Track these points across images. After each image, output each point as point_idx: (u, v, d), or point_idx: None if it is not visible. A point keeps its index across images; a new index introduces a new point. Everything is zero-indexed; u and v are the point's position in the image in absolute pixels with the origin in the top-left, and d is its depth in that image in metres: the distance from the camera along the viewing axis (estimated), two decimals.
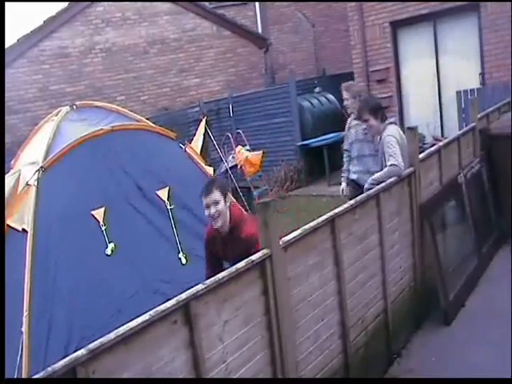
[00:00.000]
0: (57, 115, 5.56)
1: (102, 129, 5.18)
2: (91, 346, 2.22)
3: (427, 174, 5.36)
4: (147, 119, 6.56)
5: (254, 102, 12.93)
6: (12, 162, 5.79)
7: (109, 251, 4.56)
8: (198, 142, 9.46)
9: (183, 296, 2.62)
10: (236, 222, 3.91)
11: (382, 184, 4.65)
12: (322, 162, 11.47)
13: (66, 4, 14.05)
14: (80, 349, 2.20)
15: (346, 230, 3.96)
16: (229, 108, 13.09)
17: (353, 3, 11.92)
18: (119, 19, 14.58)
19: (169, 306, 2.54)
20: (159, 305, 2.53)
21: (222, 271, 2.93)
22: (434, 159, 5.60)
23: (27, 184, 4.83)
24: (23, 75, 13.50)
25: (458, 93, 9.74)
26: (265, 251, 3.14)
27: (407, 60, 11.65)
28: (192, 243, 4.98)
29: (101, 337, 2.28)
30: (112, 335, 2.30)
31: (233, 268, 2.94)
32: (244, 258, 3.03)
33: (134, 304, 3.98)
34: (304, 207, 9.30)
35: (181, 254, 4.89)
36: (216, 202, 3.82)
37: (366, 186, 4.90)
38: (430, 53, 11.18)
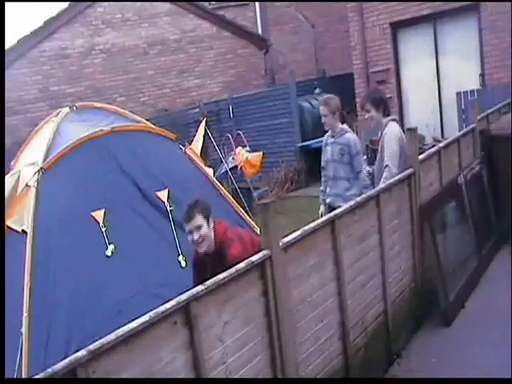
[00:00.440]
0: (57, 116, 5.56)
1: (101, 130, 5.18)
2: (92, 346, 2.22)
3: (427, 175, 5.36)
4: (147, 120, 6.56)
5: (254, 103, 12.94)
6: (12, 162, 5.79)
7: (109, 252, 4.56)
8: (198, 143, 9.47)
9: (183, 297, 2.63)
10: (221, 242, 3.81)
11: (382, 185, 4.67)
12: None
13: (66, 5, 14.06)
14: (80, 349, 2.20)
15: (345, 230, 3.96)
16: (229, 109, 13.10)
17: (353, 4, 11.92)
18: (119, 20, 14.59)
19: (169, 306, 2.55)
20: (159, 306, 2.53)
21: None
22: (434, 160, 5.60)
23: (27, 185, 4.82)
24: (23, 76, 13.51)
25: (458, 94, 9.75)
26: (265, 252, 3.14)
27: (407, 61, 11.66)
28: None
29: (101, 337, 2.28)
30: (112, 336, 2.30)
31: (233, 269, 2.95)
32: None
33: (134, 305, 3.97)
34: (304, 208, 9.27)
35: (180, 256, 4.89)
36: (199, 227, 3.73)
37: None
38: (430, 54, 11.19)
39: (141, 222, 4.89)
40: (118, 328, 2.35)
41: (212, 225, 3.82)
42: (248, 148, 10.23)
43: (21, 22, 27.62)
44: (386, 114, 5.15)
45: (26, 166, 5.19)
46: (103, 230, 4.61)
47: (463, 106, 9.57)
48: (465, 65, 10.77)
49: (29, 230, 4.51)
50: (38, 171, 4.76)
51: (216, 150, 10.28)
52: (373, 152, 7.68)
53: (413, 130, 5.24)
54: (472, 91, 9.62)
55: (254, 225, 5.59)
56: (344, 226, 3.93)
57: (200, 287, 2.72)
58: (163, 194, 5.10)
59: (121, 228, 4.73)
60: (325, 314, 3.71)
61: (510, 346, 4.24)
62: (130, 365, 2.38)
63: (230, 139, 10.53)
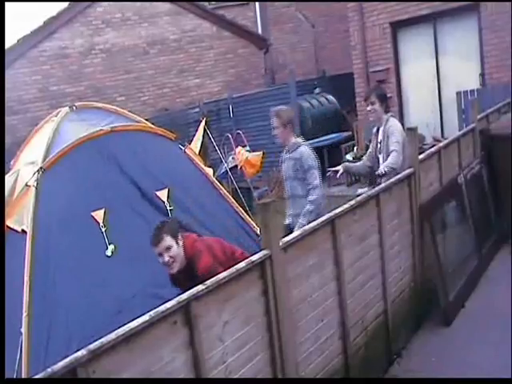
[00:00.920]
0: (56, 116, 5.56)
1: (101, 129, 5.18)
2: (92, 346, 2.22)
3: (427, 175, 5.36)
4: (147, 120, 6.56)
5: (253, 102, 12.92)
6: (12, 162, 5.79)
7: (109, 252, 4.56)
8: (197, 143, 9.46)
9: (183, 297, 2.63)
10: (191, 256, 3.77)
11: (382, 185, 4.67)
12: (322, 163, 11.39)
13: (66, 4, 14.05)
14: (80, 349, 2.20)
15: (346, 230, 3.96)
16: (229, 109, 13.09)
17: (353, 3, 11.92)
18: (119, 20, 14.59)
19: (169, 306, 2.55)
20: (158, 306, 2.53)
21: None
22: (434, 160, 5.60)
23: (27, 185, 4.82)
24: (23, 76, 13.51)
25: (458, 93, 9.74)
26: (265, 252, 3.14)
27: (407, 61, 11.65)
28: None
29: (101, 337, 2.28)
30: (112, 335, 2.30)
31: (233, 268, 2.95)
32: None
33: (134, 305, 3.98)
34: None
35: None
36: (168, 248, 3.70)
37: (381, 171, 4.88)
38: (430, 53, 11.18)
39: (140, 221, 4.89)
40: (118, 328, 2.35)
41: (181, 242, 3.78)
42: (248, 148, 10.22)
43: (21, 21, 27.62)
44: (387, 111, 5.25)
45: (26, 165, 5.19)
46: (103, 230, 4.61)
47: (463, 106, 9.56)
48: (465, 64, 10.76)
49: (28, 230, 4.51)
50: (38, 171, 4.76)
51: (216, 150, 10.26)
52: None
53: (413, 130, 5.25)
54: (472, 91, 9.62)
55: (254, 225, 5.59)
56: (344, 226, 3.93)
57: (200, 287, 2.71)
58: (163, 194, 5.10)
59: (120, 228, 4.73)
60: (325, 313, 3.71)
61: (510, 346, 4.25)
62: (130, 364, 2.38)
63: (229, 139, 10.52)
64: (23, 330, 4.13)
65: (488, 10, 10.12)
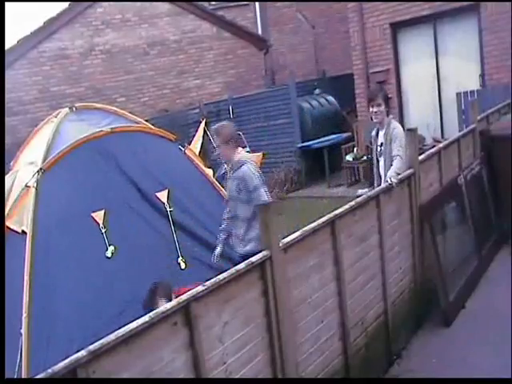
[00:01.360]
0: (56, 117, 5.57)
1: (101, 130, 5.19)
2: (92, 347, 2.22)
3: (427, 176, 5.36)
4: (147, 121, 6.57)
5: (253, 103, 12.93)
6: (11, 163, 5.80)
7: (109, 254, 4.56)
8: (197, 144, 9.47)
9: (183, 297, 2.63)
10: None
11: (382, 185, 4.68)
12: (322, 164, 11.48)
13: (66, 5, 14.05)
14: (81, 350, 2.20)
15: (346, 231, 3.96)
16: (229, 109, 13.09)
17: (353, 4, 11.92)
18: (119, 21, 14.58)
19: (169, 307, 2.55)
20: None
21: None
22: (434, 161, 5.61)
23: (26, 185, 4.82)
24: (23, 77, 13.49)
25: (458, 94, 9.74)
26: (265, 252, 3.14)
27: (407, 61, 11.66)
28: (191, 246, 4.98)
29: (101, 338, 2.28)
30: (113, 336, 2.30)
31: (233, 269, 2.95)
32: None
33: (134, 306, 3.98)
34: (304, 209, 9.29)
35: (180, 258, 4.89)
36: None
37: (389, 175, 4.73)
38: (430, 54, 11.18)
39: (140, 222, 4.90)
40: (119, 328, 2.35)
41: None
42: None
43: (21, 22, 27.63)
44: (388, 113, 5.24)
45: (25, 166, 5.19)
46: (103, 231, 4.61)
47: (463, 107, 9.56)
48: (465, 65, 10.76)
49: (28, 231, 4.51)
50: (38, 172, 4.76)
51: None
52: (371, 152, 7.70)
53: (413, 131, 5.25)
54: (472, 91, 9.62)
55: None
56: (344, 226, 3.93)
57: (200, 287, 2.72)
58: (163, 195, 5.10)
59: (120, 229, 4.74)
60: (325, 314, 3.71)
61: (510, 346, 4.25)
62: (130, 365, 2.39)
63: None
64: (23, 330, 4.14)
65: (488, 11, 10.12)
